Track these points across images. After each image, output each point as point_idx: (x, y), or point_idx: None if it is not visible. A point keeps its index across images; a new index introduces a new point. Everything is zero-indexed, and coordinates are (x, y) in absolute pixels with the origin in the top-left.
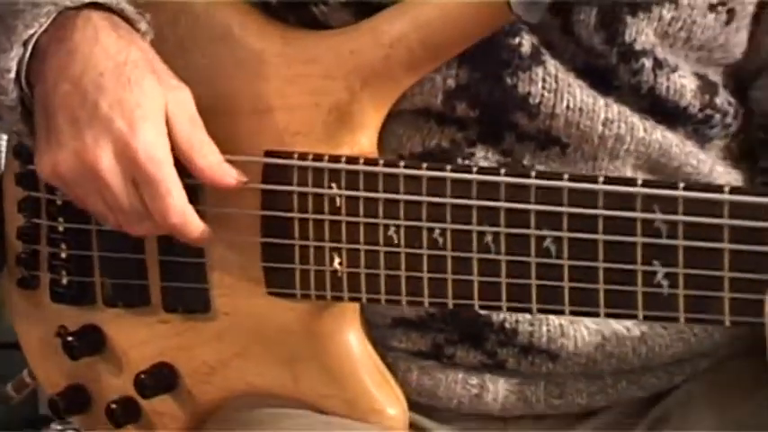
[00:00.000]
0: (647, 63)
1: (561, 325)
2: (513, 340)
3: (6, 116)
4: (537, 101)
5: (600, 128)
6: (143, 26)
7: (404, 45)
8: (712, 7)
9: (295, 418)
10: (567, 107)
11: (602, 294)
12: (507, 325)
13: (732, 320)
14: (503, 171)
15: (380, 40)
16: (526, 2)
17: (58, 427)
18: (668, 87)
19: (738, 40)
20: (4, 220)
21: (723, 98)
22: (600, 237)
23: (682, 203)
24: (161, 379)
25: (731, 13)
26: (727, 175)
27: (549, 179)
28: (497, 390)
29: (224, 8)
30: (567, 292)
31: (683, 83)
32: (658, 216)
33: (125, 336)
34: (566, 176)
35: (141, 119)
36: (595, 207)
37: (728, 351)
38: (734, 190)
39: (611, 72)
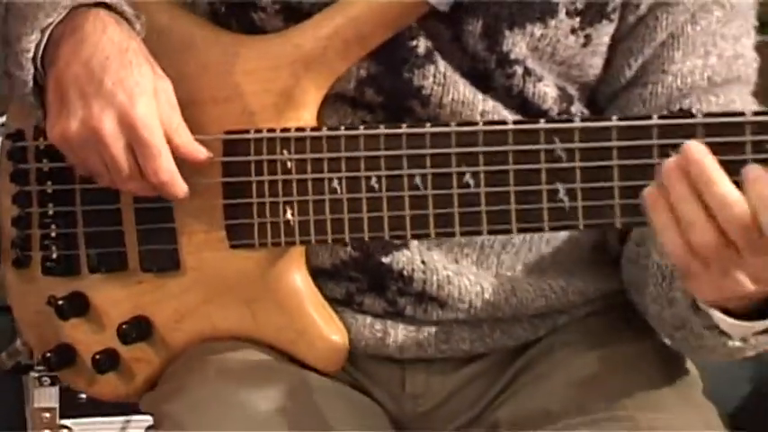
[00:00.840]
0: (519, 70)
1: (448, 275)
2: (410, 288)
3: (19, 90)
4: (428, 92)
5: (478, 118)
6: (138, 26)
7: (340, 37)
8: (573, 30)
9: (245, 362)
10: (452, 99)
11: (513, 214)
12: (405, 273)
13: (622, 222)
14: (428, 124)
15: (319, 34)
16: None
17: (36, 374)
18: (534, 93)
19: (593, 63)
20: None
21: (577, 108)
22: (510, 167)
23: (577, 133)
24: (139, 329)
25: (588, 38)
26: None
27: (466, 126)
28: (397, 334)
29: (184, 23)
30: (484, 214)
31: (546, 91)
32: (558, 145)
33: (107, 296)
34: (480, 123)
35: (139, 94)
36: (506, 144)
37: (582, 311)
38: (621, 118)
39: (490, 75)
